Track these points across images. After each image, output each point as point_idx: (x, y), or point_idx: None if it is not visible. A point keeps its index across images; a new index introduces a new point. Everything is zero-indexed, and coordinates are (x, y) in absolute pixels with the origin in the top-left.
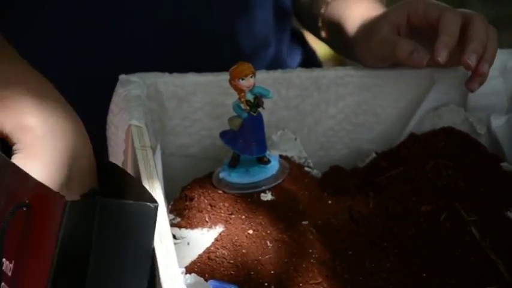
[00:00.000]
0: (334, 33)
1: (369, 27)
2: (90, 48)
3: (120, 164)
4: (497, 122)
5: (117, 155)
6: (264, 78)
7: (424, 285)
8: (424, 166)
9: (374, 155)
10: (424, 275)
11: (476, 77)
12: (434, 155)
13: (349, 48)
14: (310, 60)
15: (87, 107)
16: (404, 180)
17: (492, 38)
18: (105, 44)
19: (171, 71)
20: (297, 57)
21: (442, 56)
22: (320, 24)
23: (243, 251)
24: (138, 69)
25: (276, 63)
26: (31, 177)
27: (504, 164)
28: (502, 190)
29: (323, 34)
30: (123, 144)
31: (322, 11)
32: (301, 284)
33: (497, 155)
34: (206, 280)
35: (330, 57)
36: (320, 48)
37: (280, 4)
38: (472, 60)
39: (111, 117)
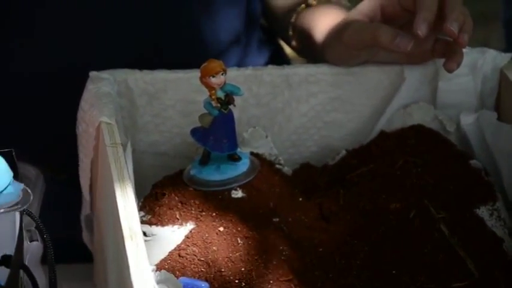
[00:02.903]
0: (304, 41)
1: (341, 25)
2: (62, 45)
3: (89, 162)
4: (467, 120)
5: (87, 153)
6: (235, 76)
7: (393, 282)
8: (394, 164)
9: (344, 152)
10: (394, 272)
11: (454, 55)
12: (404, 153)
13: (318, 54)
14: (279, 57)
15: (58, 105)
16: (374, 178)
17: (467, 13)
18: (76, 41)
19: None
20: (266, 55)
21: (422, 30)
22: (291, 32)
23: (214, 248)
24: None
25: (246, 61)
26: None
27: (473, 162)
28: (471, 187)
29: (294, 43)
30: (93, 141)
31: (293, 20)
32: (271, 281)
33: (466, 153)
34: (177, 277)
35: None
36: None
37: (250, 6)
38: (454, 28)
39: (81, 114)
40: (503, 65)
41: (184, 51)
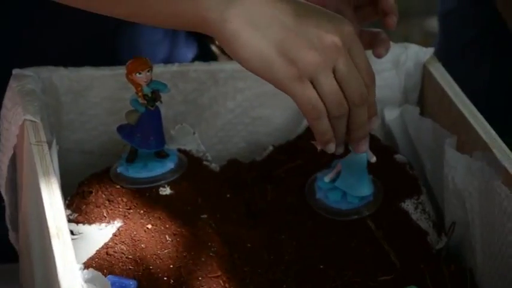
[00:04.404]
0: None
1: None
2: None
3: (8, 160)
4: (391, 115)
5: (6, 151)
6: (161, 72)
7: (321, 277)
8: (321, 159)
9: (271, 148)
10: (322, 266)
11: (381, 42)
12: None
13: None
14: (205, 53)
15: None
16: (301, 173)
17: None
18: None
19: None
20: (192, 51)
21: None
22: None
23: (142, 245)
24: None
25: (172, 57)
26: None
27: (398, 156)
28: (396, 182)
29: None
30: (14, 139)
31: None
32: (200, 278)
33: (391, 147)
34: (104, 275)
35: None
36: None
37: None
38: (394, 21)
39: (4, 113)
40: (426, 60)
41: (110, 47)
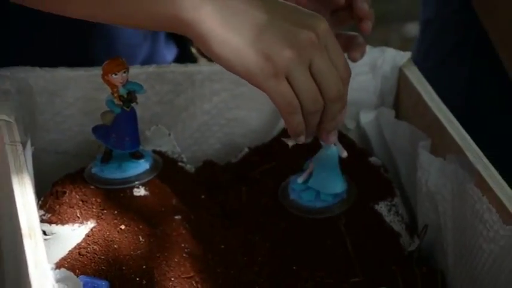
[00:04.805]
0: None
1: None
2: None
3: None
4: (366, 118)
5: None
6: (137, 74)
7: (294, 278)
8: (296, 161)
9: (247, 150)
10: (295, 267)
11: (357, 46)
12: (305, 150)
13: None
14: (185, 55)
15: None
16: (276, 175)
17: (370, 4)
18: None
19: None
20: (172, 53)
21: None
22: None
23: (115, 246)
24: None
25: (152, 59)
26: None
27: (372, 159)
28: (371, 184)
29: None
30: None
31: None
32: (173, 279)
33: (366, 150)
34: (77, 276)
35: None
36: None
37: None
38: (365, 7)
39: None
40: (402, 64)
41: (91, 48)
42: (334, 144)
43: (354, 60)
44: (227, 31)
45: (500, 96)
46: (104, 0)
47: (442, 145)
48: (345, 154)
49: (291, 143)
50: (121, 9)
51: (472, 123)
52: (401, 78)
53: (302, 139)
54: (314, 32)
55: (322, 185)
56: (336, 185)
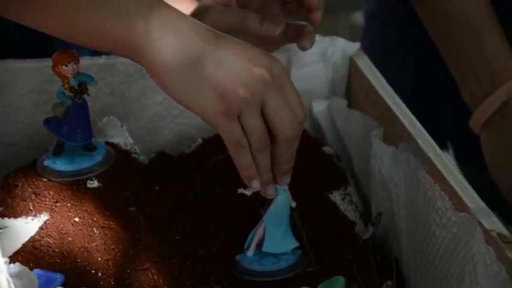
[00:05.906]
0: None
1: (198, 11)
2: None
3: None
4: (319, 107)
5: None
6: (88, 65)
7: None
8: None
9: (200, 140)
10: None
11: (307, 35)
12: None
13: None
14: None
15: None
16: (230, 166)
17: None
18: None
19: None
20: None
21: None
22: None
23: (69, 238)
24: None
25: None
26: None
27: (325, 148)
28: (324, 173)
29: None
30: None
31: None
32: (128, 270)
33: (319, 139)
34: (31, 269)
35: None
36: None
37: None
38: (319, 16)
39: None
40: (353, 53)
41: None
42: (285, 191)
43: (304, 49)
44: (181, 66)
45: (446, 86)
46: (62, 15)
47: (394, 133)
48: (293, 204)
49: (248, 192)
50: (76, 26)
51: (419, 112)
52: (352, 67)
53: (256, 185)
54: (269, 71)
55: (278, 247)
56: (290, 242)
